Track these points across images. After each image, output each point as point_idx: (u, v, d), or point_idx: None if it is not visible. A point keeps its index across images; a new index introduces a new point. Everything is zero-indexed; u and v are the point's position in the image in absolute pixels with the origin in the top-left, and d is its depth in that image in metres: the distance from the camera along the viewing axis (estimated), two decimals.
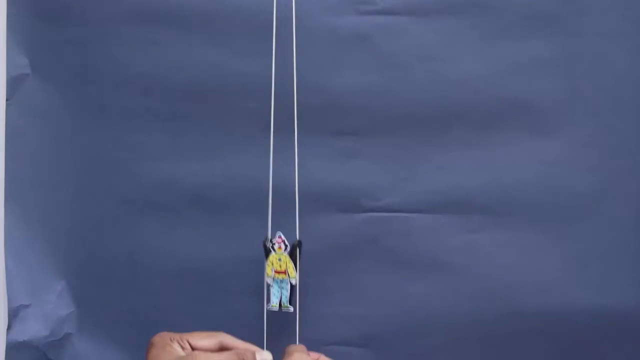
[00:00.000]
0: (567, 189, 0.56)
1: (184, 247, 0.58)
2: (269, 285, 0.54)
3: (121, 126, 0.58)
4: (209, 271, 0.58)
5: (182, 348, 0.50)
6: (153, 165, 0.58)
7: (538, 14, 0.55)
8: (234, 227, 0.58)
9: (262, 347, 0.53)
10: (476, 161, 0.56)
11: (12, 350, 0.57)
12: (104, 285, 0.59)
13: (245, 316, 0.57)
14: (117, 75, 0.57)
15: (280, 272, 0.54)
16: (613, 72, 0.55)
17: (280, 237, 0.54)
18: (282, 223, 0.56)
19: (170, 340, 0.50)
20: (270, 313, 0.55)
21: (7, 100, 0.57)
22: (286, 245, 0.54)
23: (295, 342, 0.55)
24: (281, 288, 0.54)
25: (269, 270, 0.54)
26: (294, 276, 0.53)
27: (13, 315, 0.57)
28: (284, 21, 0.54)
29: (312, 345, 0.54)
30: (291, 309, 0.54)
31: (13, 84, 0.57)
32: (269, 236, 0.54)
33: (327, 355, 0.54)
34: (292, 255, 0.53)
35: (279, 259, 0.54)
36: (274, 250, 0.54)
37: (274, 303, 0.54)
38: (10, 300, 0.57)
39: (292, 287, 0.54)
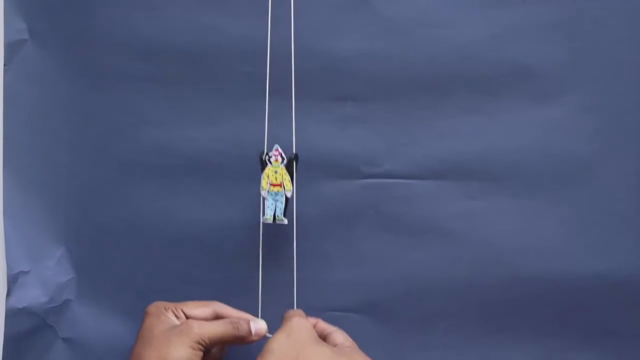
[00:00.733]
0: (567, 155, 0.56)
1: (182, 212, 0.58)
2: (263, 199, 0.54)
3: (119, 91, 0.57)
4: (207, 237, 0.58)
5: (177, 317, 0.50)
6: (151, 130, 0.57)
7: None
8: (232, 193, 0.57)
9: (258, 315, 0.54)
10: (476, 127, 0.56)
11: (12, 317, 0.57)
12: (103, 251, 0.59)
13: (243, 282, 0.57)
14: (115, 40, 0.57)
15: (276, 184, 0.53)
16: (614, 37, 0.55)
17: (277, 149, 0.53)
18: None
19: (165, 309, 0.50)
20: (268, 281, 0.55)
21: (4, 65, 0.57)
22: (283, 158, 0.53)
23: (294, 307, 0.55)
24: (275, 201, 0.53)
25: (263, 184, 0.53)
26: (290, 189, 0.53)
27: (12, 281, 0.57)
28: None
29: (311, 312, 0.54)
30: (285, 221, 0.54)
31: (11, 49, 0.57)
32: (265, 150, 0.54)
33: (326, 321, 0.54)
34: (288, 169, 0.53)
35: (275, 172, 0.53)
36: (270, 162, 0.53)
37: (268, 216, 0.54)
38: (9, 266, 0.57)
39: (287, 199, 0.53)
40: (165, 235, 0.58)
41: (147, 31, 0.56)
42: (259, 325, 0.52)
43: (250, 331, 0.51)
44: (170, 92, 0.57)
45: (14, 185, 0.58)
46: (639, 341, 0.56)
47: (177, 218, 0.58)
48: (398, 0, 0.55)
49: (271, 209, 0.54)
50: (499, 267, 0.56)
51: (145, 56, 0.57)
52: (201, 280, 0.58)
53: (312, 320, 0.53)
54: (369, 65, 0.56)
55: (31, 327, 0.58)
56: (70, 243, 0.59)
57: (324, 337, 0.51)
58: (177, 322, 0.50)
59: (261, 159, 0.53)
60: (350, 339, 0.51)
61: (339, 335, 0.51)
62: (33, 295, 0.58)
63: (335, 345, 0.50)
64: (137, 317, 0.51)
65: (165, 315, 0.50)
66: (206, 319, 0.51)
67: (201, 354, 0.48)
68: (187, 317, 0.51)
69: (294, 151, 0.54)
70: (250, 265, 0.56)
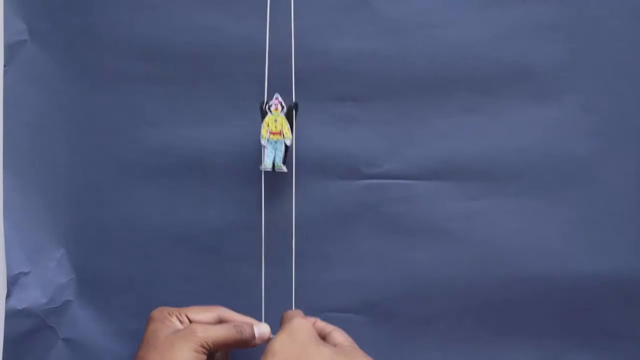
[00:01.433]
0: (567, 154, 0.56)
1: (182, 213, 0.58)
2: (263, 147, 0.54)
3: (119, 91, 0.57)
4: (207, 237, 0.58)
5: (181, 322, 0.50)
6: (151, 131, 0.57)
7: None
8: (232, 194, 0.57)
9: (261, 315, 0.54)
10: (476, 127, 0.56)
11: (12, 318, 0.57)
12: (103, 252, 0.59)
13: (243, 282, 0.57)
14: (115, 41, 0.57)
15: (275, 132, 0.53)
16: (614, 37, 0.55)
17: (277, 98, 0.53)
18: (281, 189, 0.56)
19: (169, 314, 0.51)
20: (267, 281, 0.55)
21: (4, 66, 0.57)
22: (283, 107, 0.53)
23: (292, 308, 0.56)
24: (275, 149, 0.53)
25: (263, 132, 0.53)
26: (289, 137, 0.53)
27: (12, 282, 0.57)
28: None
29: (311, 312, 0.54)
30: (284, 169, 0.54)
31: (11, 50, 0.57)
32: (266, 100, 0.53)
33: (326, 321, 0.54)
34: (288, 118, 0.53)
35: (275, 120, 0.53)
36: (270, 111, 0.53)
37: (267, 164, 0.54)
38: (9, 267, 0.57)
39: (287, 148, 0.53)
40: (165, 235, 0.58)
41: (147, 32, 0.56)
42: (262, 330, 0.52)
43: (253, 335, 0.51)
44: (171, 92, 0.57)
45: (14, 185, 0.58)
46: (639, 342, 0.56)
47: (177, 218, 0.58)
48: (398, 0, 0.55)
49: (270, 157, 0.53)
50: (499, 267, 0.56)
51: (145, 57, 0.57)
52: (201, 280, 0.58)
53: (311, 319, 0.53)
54: (369, 65, 0.56)
55: (31, 328, 0.58)
56: (70, 244, 0.59)
57: (323, 337, 0.51)
58: (181, 326, 0.50)
59: (261, 108, 0.53)
60: (349, 338, 0.51)
61: (338, 335, 0.51)
62: (33, 296, 0.58)
63: (335, 345, 0.50)
64: (138, 318, 0.52)
65: (169, 320, 0.50)
66: (210, 324, 0.51)
67: (205, 357, 0.48)
68: (191, 322, 0.51)
69: (293, 101, 0.54)
70: (251, 266, 0.57)
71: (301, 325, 0.49)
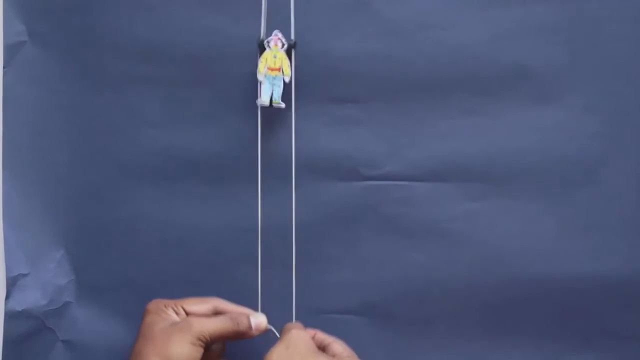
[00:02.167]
0: (567, 156, 0.56)
1: (181, 214, 0.58)
2: (260, 82, 0.53)
3: (119, 92, 0.57)
4: (207, 238, 0.58)
5: (177, 314, 0.51)
6: (151, 132, 0.57)
7: None
8: (232, 195, 0.57)
9: (257, 309, 0.54)
10: (477, 128, 0.56)
11: (11, 319, 0.57)
12: (103, 253, 0.58)
13: (243, 284, 0.57)
14: (115, 42, 0.57)
15: (274, 69, 0.52)
16: (614, 38, 0.55)
17: (277, 35, 0.52)
18: (280, 189, 0.56)
19: (165, 306, 0.51)
20: (267, 283, 0.55)
21: (4, 67, 0.57)
22: (283, 44, 0.53)
23: (292, 310, 0.56)
24: (273, 85, 0.53)
25: (260, 67, 0.53)
26: (289, 74, 0.52)
27: (11, 284, 0.57)
28: None
29: (310, 314, 0.54)
30: (282, 105, 0.53)
31: (10, 51, 0.57)
32: (264, 36, 0.53)
33: (326, 323, 0.54)
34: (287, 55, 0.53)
35: (274, 56, 0.52)
36: (269, 47, 0.52)
37: (265, 99, 0.53)
38: (8, 269, 0.57)
39: (285, 84, 0.53)
40: (165, 237, 0.58)
41: (147, 33, 0.56)
42: (258, 320, 0.52)
43: (250, 326, 0.51)
44: (170, 93, 0.57)
45: (14, 186, 0.57)
46: (639, 342, 0.56)
47: (177, 220, 0.58)
48: (398, 1, 0.55)
49: (267, 93, 0.53)
50: (500, 268, 0.56)
51: (145, 58, 0.56)
52: (201, 282, 0.58)
53: (311, 331, 0.53)
54: (369, 66, 0.55)
55: (31, 330, 0.58)
56: (69, 245, 0.59)
57: (322, 348, 0.52)
58: (177, 318, 0.50)
59: (260, 44, 0.53)
60: (348, 349, 0.51)
61: (337, 346, 0.51)
62: (32, 298, 0.58)
63: (334, 356, 0.50)
64: (137, 319, 0.51)
65: (165, 312, 0.50)
66: (206, 315, 0.51)
67: (202, 350, 0.48)
68: (187, 314, 0.51)
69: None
70: (250, 267, 0.56)
71: (299, 337, 0.49)
